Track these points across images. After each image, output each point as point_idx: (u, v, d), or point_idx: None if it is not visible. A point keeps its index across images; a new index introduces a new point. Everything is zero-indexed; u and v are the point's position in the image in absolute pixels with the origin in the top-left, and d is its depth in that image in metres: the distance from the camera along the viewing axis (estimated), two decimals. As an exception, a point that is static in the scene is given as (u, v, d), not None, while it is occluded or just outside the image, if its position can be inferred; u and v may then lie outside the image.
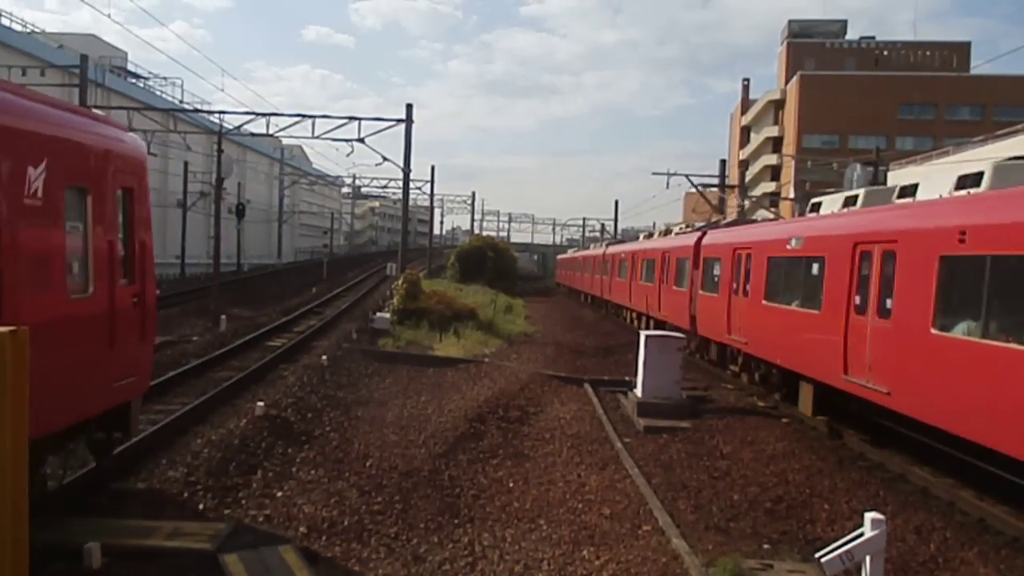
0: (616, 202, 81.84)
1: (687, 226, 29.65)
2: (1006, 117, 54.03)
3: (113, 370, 7.87)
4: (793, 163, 66.85)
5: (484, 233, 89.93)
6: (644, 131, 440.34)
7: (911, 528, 8.64)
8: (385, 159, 34.60)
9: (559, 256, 78.30)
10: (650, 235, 35.44)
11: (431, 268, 56.67)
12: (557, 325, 33.14)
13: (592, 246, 57.42)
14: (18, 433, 4.19)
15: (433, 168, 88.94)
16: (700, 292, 20.57)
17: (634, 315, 31.14)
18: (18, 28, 41.81)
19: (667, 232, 30.70)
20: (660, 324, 24.03)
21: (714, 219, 33.11)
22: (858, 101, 69.69)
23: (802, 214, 24.83)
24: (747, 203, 50.31)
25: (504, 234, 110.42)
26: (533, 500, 9.28)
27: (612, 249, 39.57)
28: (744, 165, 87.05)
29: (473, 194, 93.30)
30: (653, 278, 26.72)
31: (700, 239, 21.59)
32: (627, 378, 16.61)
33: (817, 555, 6.27)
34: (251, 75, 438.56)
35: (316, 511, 8.38)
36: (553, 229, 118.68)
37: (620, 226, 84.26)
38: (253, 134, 37.28)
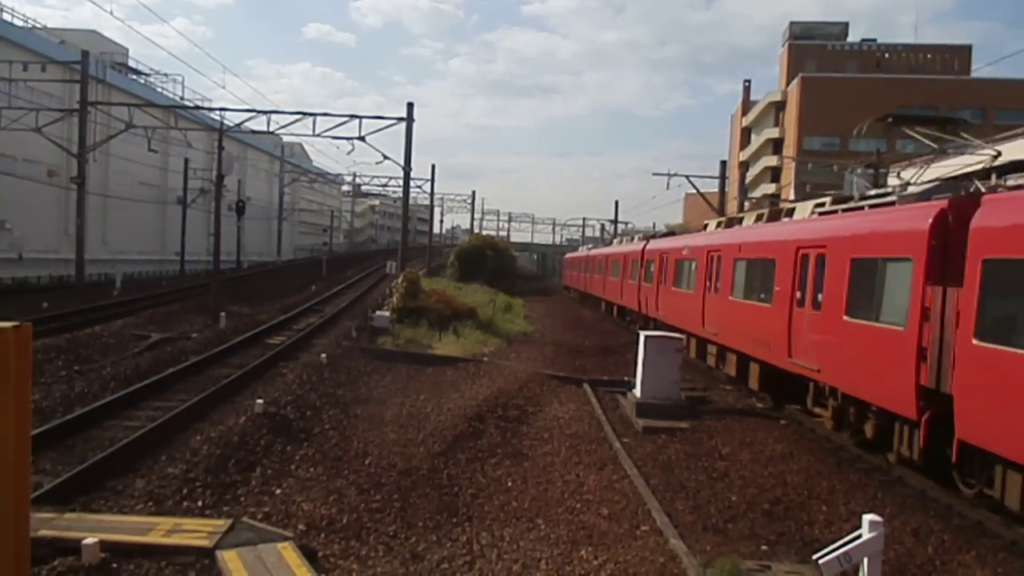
0: (616, 202, 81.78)
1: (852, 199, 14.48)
2: (1007, 120, 53.98)
3: None
4: (793, 165, 66.88)
5: (484, 232, 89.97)
6: (645, 131, 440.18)
7: (909, 530, 8.65)
8: (386, 157, 34.72)
9: (568, 255, 66.79)
10: (729, 221, 21.95)
11: (431, 267, 56.67)
12: (556, 325, 33.13)
13: (622, 240, 43.43)
14: (21, 428, 4.20)
15: (433, 167, 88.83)
16: (977, 343, 8.55)
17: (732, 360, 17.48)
18: (19, 23, 41.78)
19: (763, 216, 18.74)
20: (795, 380, 13.97)
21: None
22: (859, 103, 69.42)
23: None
24: (747, 204, 50.31)
25: (504, 233, 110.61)
26: (531, 499, 9.30)
27: (659, 244, 27.83)
28: (744, 166, 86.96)
29: (473, 193, 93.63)
30: (768, 295, 15.22)
31: (961, 212, 9.46)
32: (626, 378, 16.63)
33: (815, 557, 6.28)
34: (252, 72, 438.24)
35: (315, 509, 8.40)
36: (553, 229, 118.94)
37: (619, 226, 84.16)
38: (254, 131, 37.36)
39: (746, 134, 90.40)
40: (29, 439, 4.44)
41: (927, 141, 12.81)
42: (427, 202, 66.80)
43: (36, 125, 32.47)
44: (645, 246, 29.75)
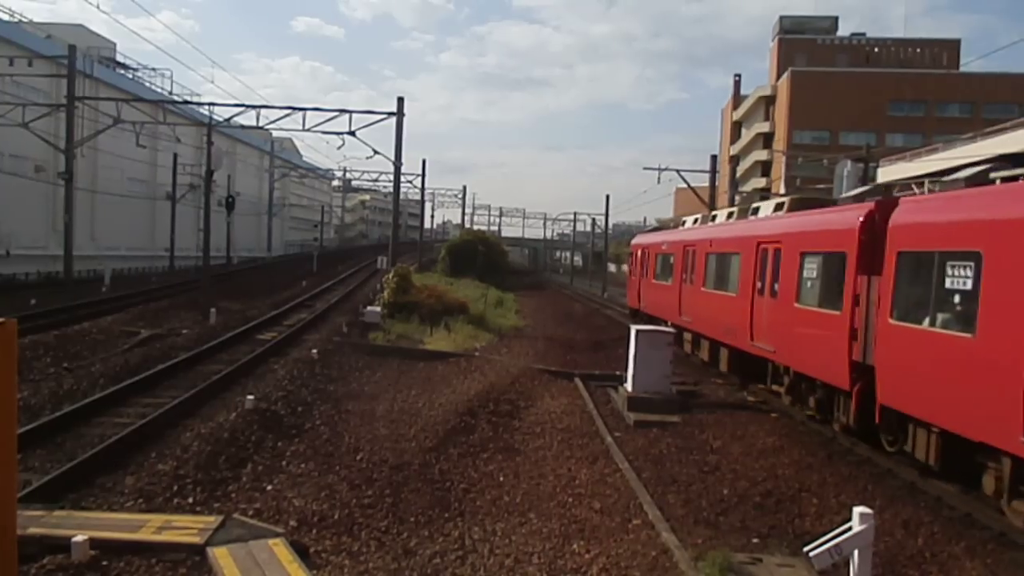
0: (607, 197, 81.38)
1: None
2: (995, 114, 54.34)
3: None
4: (784, 159, 67.08)
5: (475, 227, 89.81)
6: (637, 125, 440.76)
7: (899, 522, 8.70)
8: (376, 152, 34.68)
9: (637, 239, 32.49)
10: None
11: (422, 262, 56.56)
12: (547, 319, 33.15)
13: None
14: (6, 425, 4.16)
15: (424, 162, 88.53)
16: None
17: None
18: (5, 17, 41.34)
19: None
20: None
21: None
22: (849, 98, 69.95)
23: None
24: (737, 198, 50.40)
25: (495, 228, 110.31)
26: (523, 494, 9.30)
27: None
28: (735, 160, 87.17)
29: (464, 188, 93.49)
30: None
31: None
32: (617, 372, 16.64)
33: (806, 549, 6.30)
34: (240, 66, 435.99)
35: (306, 504, 8.36)
36: (544, 223, 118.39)
37: (611, 221, 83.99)
38: (243, 126, 37.06)
39: (737, 128, 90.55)
40: (15, 436, 4.40)
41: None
42: (418, 197, 66.66)
43: (23, 120, 32.15)
44: None
